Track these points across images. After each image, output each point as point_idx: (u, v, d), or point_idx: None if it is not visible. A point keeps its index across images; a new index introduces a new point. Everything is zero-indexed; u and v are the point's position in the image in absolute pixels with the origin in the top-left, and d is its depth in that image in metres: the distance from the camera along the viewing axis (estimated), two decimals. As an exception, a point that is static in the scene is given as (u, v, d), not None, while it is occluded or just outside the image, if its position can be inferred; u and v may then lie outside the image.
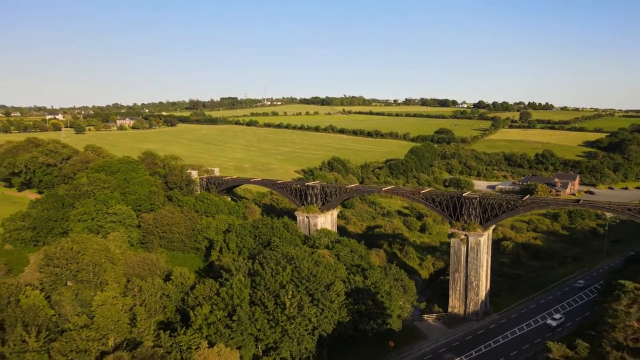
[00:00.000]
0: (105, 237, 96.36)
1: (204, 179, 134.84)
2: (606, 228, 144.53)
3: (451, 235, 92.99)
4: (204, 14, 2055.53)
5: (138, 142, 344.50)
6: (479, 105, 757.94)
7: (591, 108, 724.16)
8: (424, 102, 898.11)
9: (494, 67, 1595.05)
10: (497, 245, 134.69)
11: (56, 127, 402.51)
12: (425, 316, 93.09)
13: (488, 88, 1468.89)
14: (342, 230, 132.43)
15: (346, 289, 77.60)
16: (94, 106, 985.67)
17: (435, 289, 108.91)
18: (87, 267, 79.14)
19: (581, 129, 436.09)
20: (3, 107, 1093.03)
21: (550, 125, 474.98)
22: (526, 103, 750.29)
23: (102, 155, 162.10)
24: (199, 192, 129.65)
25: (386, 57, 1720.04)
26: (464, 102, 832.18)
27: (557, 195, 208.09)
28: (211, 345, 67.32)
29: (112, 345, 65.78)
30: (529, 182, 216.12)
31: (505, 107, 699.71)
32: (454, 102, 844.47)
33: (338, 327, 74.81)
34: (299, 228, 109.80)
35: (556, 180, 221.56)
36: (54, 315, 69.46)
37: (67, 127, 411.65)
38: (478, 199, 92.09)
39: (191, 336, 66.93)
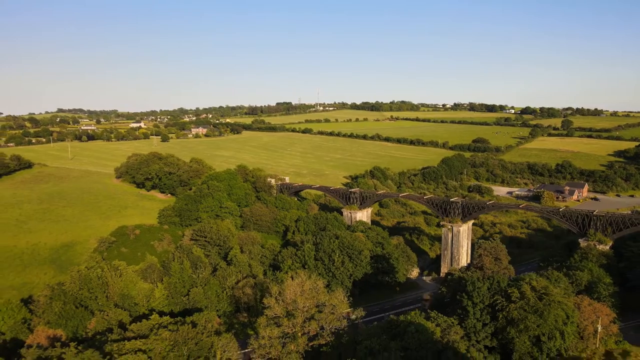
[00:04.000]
0: (222, 221, 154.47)
1: (279, 185, 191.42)
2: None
3: (442, 226, 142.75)
4: (260, 21, 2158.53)
5: (214, 149, 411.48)
6: (525, 111, 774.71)
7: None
8: (472, 107, 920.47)
9: (544, 73, 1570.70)
10: (489, 237, 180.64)
11: (145, 136, 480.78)
12: (424, 277, 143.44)
13: (540, 92, 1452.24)
14: (377, 224, 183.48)
15: (371, 254, 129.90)
16: (161, 110, 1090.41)
17: (436, 264, 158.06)
18: (221, 238, 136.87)
19: (617, 138, 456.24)
20: (80, 110, 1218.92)
21: (589, 133, 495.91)
22: (574, 108, 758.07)
23: (202, 165, 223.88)
24: (275, 194, 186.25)
25: (437, 63, 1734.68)
26: (512, 108, 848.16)
27: (563, 200, 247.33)
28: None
29: (241, 277, 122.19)
30: (539, 190, 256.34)
31: (551, 113, 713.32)
32: (502, 107, 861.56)
33: (365, 276, 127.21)
34: (344, 219, 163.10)
35: (566, 188, 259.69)
36: (208, 262, 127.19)
37: (153, 135, 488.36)
38: (460, 202, 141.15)
39: (282, 274, 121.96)
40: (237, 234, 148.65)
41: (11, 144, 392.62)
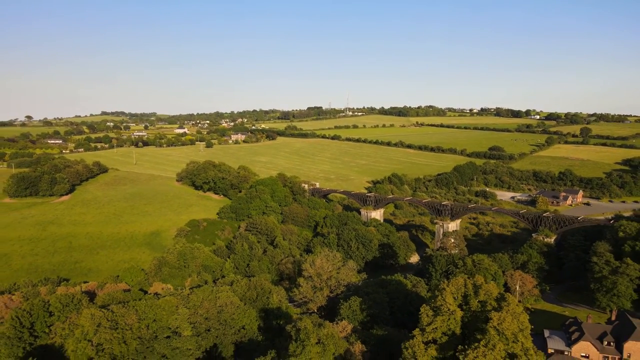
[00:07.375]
0: (268, 217, 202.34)
1: (311, 189, 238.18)
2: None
3: (435, 223, 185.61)
4: (293, 27, 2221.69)
5: (252, 155, 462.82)
6: (550, 117, 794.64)
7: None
8: (497, 113, 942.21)
9: (574, 77, 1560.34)
10: (481, 234, 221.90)
11: (191, 142, 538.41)
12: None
13: (570, 96, 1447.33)
14: (390, 222, 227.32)
15: (379, 243, 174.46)
16: (198, 113, 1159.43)
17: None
18: (268, 229, 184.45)
19: (631, 146, 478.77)
20: (122, 113, 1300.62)
21: (604, 141, 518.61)
22: (599, 114, 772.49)
23: (248, 171, 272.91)
24: (308, 196, 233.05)
25: (466, 67, 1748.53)
26: (537, 114, 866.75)
27: (557, 205, 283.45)
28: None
29: (284, 256, 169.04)
30: (537, 195, 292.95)
31: (574, 120, 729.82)
32: (527, 113, 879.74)
33: (374, 259, 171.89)
34: (361, 217, 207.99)
35: (562, 194, 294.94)
36: (259, 245, 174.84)
37: (198, 141, 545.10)
38: (449, 205, 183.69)
39: (313, 255, 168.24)
40: (279, 226, 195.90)
41: (80, 149, 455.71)
